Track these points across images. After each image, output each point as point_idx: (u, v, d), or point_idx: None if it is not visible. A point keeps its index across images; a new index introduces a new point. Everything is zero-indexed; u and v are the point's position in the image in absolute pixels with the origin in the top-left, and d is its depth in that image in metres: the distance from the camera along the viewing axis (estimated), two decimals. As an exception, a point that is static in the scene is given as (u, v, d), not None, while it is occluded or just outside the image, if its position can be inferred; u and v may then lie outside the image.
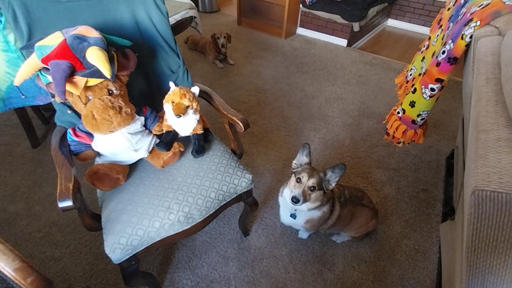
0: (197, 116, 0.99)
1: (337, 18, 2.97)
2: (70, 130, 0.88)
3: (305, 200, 0.97)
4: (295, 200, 0.95)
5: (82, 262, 1.27)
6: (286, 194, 1.06)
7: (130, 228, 0.84)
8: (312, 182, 0.97)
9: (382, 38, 3.52)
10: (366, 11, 2.95)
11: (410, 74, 1.62)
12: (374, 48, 3.23)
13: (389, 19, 3.81)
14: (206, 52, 2.79)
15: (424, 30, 3.56)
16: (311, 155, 1.07)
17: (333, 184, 1.00)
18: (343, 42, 3.12)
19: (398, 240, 1.39)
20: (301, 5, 3.18)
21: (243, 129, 0.99)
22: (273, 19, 3.28)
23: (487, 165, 0.45)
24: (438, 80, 1.12)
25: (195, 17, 1.85)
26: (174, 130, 1.00)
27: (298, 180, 0.99)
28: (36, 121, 1.96)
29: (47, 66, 0.75)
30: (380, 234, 1.41)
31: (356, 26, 2.95)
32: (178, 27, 1.69)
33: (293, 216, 1.10)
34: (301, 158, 1.06)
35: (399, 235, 1.41)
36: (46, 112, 2.02)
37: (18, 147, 1.82)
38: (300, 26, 3.37)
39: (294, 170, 1.04)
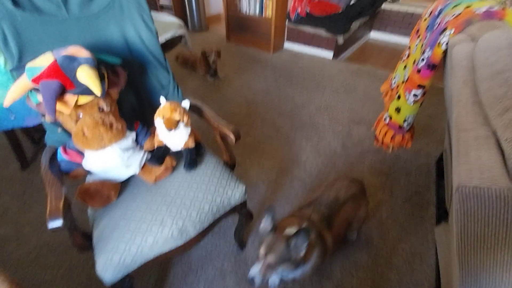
0: (189, 130, 1.00)
1: (322, 32, 3.08)
2: (60, 149, 0.88)
3: (266, 277, 0.81)
4: (251, 283, 0.79)
5: (75, 283, 1.23)
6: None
7: (123, 244, 0.83)
8: (270, 258, 0.79)
9: (366, 50, 3.65)
10: (349, 24, 3.07)
11: (394, 82, 1.68)
12: (360, 59, 3.33)
13: (371, 31, 3.96)
14: (197, 68, 2.84)
15: (405, 40, 3.71)
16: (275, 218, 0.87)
17: (302, 252, 0.81)
18: (329, 54, 3.22)
19: (395, 244, 1.39)
20: (287, 21, 3.30)
21: (235, 141, 1.00)
22: (260, 35, 3.38)
23: (469, 162, 0.47)
24: (420, 86, 1.17)
25: (184, 36, 1.90)
26: (166, 145, 1.00)
27: (258, 255, 0.83)
28: (26, 142, 1.94)
29: (37, 87, 0.75)
30: (376, 239, 1.41)
31: (340, 39, 3.06)
32: (168, 46, 1.73)
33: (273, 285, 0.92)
34: (265, 224, 0.87)
35: (395, 239, 1.42)
36: (36, 134, 2.00)
37: (7, 169, 1.79)
38: (287, 40, 3.48)
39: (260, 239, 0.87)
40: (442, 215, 1.52)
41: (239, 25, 3.52)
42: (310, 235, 0.79)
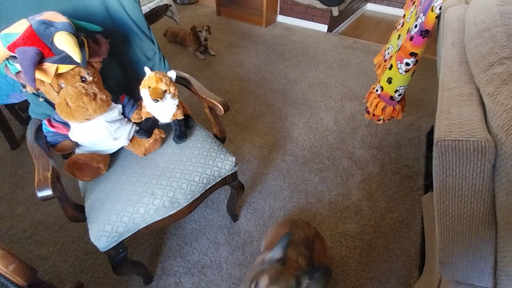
0: (176, 101, 0.99)
1: (316, 3, 2.97)
2: (45, 121, 0.86)
3: None
4: None
5: (71, 258, 1.26)
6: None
7: (115, 216, 0.84)
8: None
9: (362, 23, 3.55)
10: (344, -5, 2.97)
11: (388, 53, 1.65)
12: (355, 33, 3.25)
13: (368, 3, 3.84)
14: (187, 44, 2.75)
15: (402, 12, 3.61)
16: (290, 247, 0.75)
17: None
18: (323, 27, 3.13)
19: (383, 214, 1.44)
20: (280, -7, 3.17)
21: (223, 112, 0.99)
22: (252, 8, 3.25)
23: (450, 118, 0.48)
24: (412, 54, 1.15)
25: (170, 5, 1.82)
26: (154, 117, 0.99)
27: (255, 285, 0.68)
28: (14, 122, 1.90)
29: (14, 54, 0.72)
30: (366, 210, 1.46)
31: (335, 11, 2.97)
32: (152, 16, 1.65)
33: None
34: (276, 250, 0.75)
35: (383, 209, 1.46)
36: (24, 113, 1.95)
37: (-4, 150, 1.76)
38: (280, 14, 3.36)
39: (259, 260, 0.75)
40: (430, 185, 1.56)
41: (230, -1, 3.37)
42: (330, 277, 0.64)
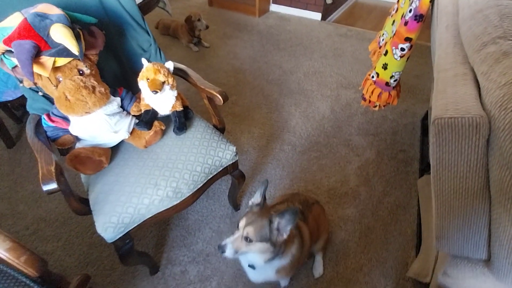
0: (175, 92, 0.99)
1: (309, -9, 2.94)
2: (44, 116, 0.86)
3: (237, 253, 0.76)
4: (219, 250, 0.75)
5: (76, 252, 1.27)
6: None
7: (120, 207, 0.85)
8: (247, 231, 0.74)
9: (355, 10, 3.54)
10: (337, -18, 2.94)
11: (382, 40, 1.66)
12: (348, 21, 3.24)
13: (361, -10, 3.81)
14: (179, 36, 2.71)
15: (395, -1, 3.59)
16: (266, 194, 0.83)
17: (285, 235, 0.76)
18: (317, 16, 3.12)
19: (380, 198, 1.48)
20: (272, -19, 3.13)
21: (222, 102, 1.00)
22: (245, -2, 3.21)
23: (445, 97, 0.49)
24: (407, 39, 1.16)
25: (162, -3, 1.79)
26: (153, 109, 0.99)
27: (237, 225, 0.78)
28: (8, 121, 1.87)
29: (10, 48, 0.72)
30: (363, 195, 1.49)
31: (328, -1, 2.95)
32: (144, 7, 1.62)
33: (251, 266, 0.86)
34: (255, 197, 0.83)
35: (380, 194, 1.50)
36: (18, 111, 1.93)
37: (-8, 149, 1.74)
38: (273, 3, 3.32)
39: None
40: (425, 169, 1.60)
41: (221, -11, 3.32)
42: (297, 216, 0.73)
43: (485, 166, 0.48)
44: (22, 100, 1.54)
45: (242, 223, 0.76)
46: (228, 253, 0.75)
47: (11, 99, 1.44)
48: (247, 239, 0.74)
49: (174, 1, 3.69)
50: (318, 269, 1.19)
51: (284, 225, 0.75)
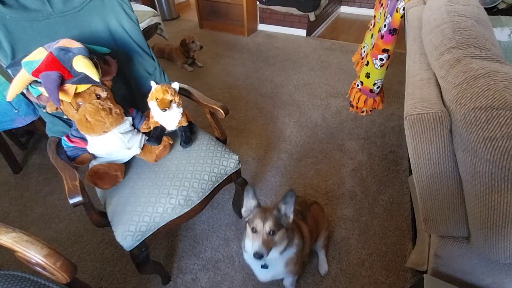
0: (181, 110, 1.09)
1: (293, 10, 3.16)
2: (64, 138, 0.95)
3: (269, 250, 0.83)
4: (258, 256, 0.79)
5: (89, 269, 1.31)
6: (248, 247, 0.91)
7: (137, 216, 0.92)
8: (269, 226, 0.82)
9: (337, 25, 3.77)
10: (319, 0, 3.16)
11: (364, 51, 1.81)
12: (332, 35, 3.46)
13: (341, 6, 4.08)
14: (174, 58, 2.86)
15: (373, 13, 3.86)
16: (258, 196, 0.95)
17: (291, 216, 0.88)
18: (302, 32, 3.32)
19: (375, 197, 1.57)
20: (258, 2, 3.34)
21: (224, 115, 1.10)
22: (233, 19, 3.41)
23: (414, 98, 0.60)
24: (384, 51, 1.31)
25: (159, 24, 1.93)
26: (161, 125, 1.09)
27: (254, 230, 0.84)
28: (13, 147, 1.93)
29: (37, 79, 0.81)
30: (359, 195, 1.58)
31: (312, 16, 3.16)
32: (145, 35, 1.75)
33: (264, 266, 0.93)
34: (249, 203, 0.91)
35: (375, 192, 1.59)
36: (22, 138, 2.00)
37: (0, 175, 1.79)
38: (260, 22, 3.53)
39: (246, 219, 0.90)
40: (414, 166, 1.71)
41: (211, 11, 3.52)
42: (295, 195, 0.84)
43: (452, 151, 0.58)
44: (27, 127, 1.62)
45: (259, 224, 0.83)
46: (265, 254, 0.81)
47: (21, 125, 1.52)
48: (271, 233, 0.83)
49: (166, 25, 3.87)
50: (324, 266, 1.26)
51: (288, 208, 0.87)
